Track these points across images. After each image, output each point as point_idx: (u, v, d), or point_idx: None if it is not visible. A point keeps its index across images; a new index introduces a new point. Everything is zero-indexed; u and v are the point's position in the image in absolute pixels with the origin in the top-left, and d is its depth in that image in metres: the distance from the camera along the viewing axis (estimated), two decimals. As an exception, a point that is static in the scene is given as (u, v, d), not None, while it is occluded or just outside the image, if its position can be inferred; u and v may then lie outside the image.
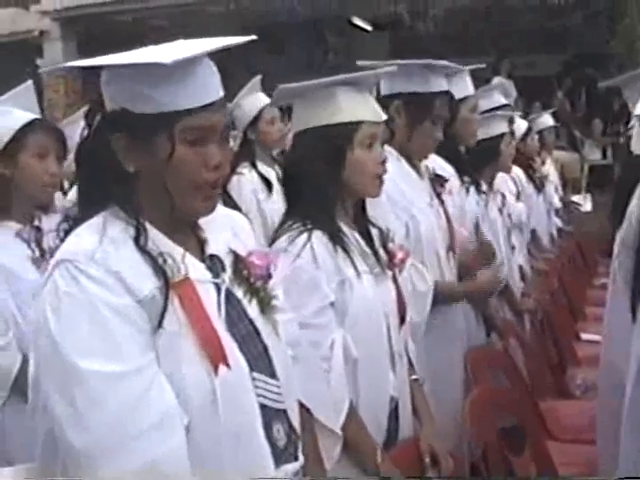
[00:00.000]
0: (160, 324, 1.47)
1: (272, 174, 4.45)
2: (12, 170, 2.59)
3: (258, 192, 4.32)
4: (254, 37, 1.62)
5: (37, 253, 2.63)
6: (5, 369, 2.52)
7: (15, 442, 2.50)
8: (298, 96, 2.25)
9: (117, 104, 1.53)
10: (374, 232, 2.29)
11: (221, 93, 1.56)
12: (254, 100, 4.54)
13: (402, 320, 2.30)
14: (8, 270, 2.56)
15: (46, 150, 2.61)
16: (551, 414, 3.37)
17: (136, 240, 1.51)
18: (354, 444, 2.12)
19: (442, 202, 2.98)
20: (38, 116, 2.71)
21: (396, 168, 2.71)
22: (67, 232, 1.58)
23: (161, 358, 1.47)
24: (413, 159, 2.93)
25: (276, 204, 4.20)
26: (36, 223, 2.68)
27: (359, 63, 2.72)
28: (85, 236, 1.51)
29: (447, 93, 2.94)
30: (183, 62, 1.48)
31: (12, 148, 2.59)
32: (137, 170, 1.53)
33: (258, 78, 4.65)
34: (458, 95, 3.21)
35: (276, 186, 4.32)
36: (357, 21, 13.68)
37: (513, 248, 4.39)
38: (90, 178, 1.58)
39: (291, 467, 1.65)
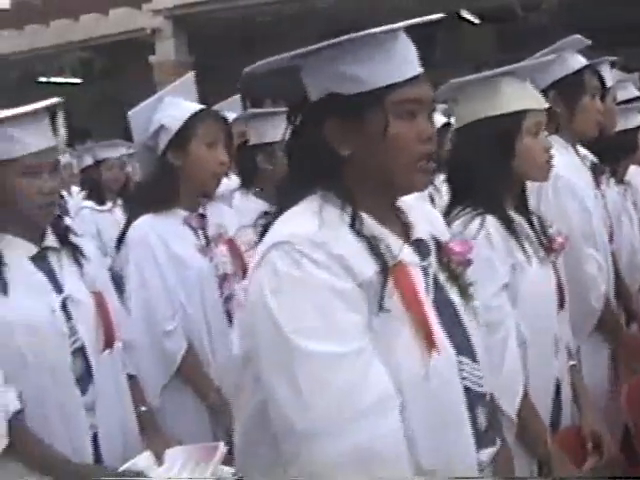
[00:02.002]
0: (378, 307, 1.49)
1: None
2: (182, 159, 2.68)
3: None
4: (443, 15, 1.66)
5: (202, 240, 2.73)
6: (171, 354, 2.63)
7: (177, 423, 2.61)
8: (462, 90, 2.30)
9: (323, 91, 1.56)
10: (534, 218, 2.33)
11: (420, 69, 1.57)
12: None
13: (561, 305, 2.32)
14: (178, 257, 2.65)
15: (215, 139, 2.68)
16: None
17: (352, 225, 1.53)
18: (525, 427, 2.13)
19: (602, 193, 3.00)
20: (205, 106, 2.79)
21: (564, 157, 2.73)
22: (267, 226, 1.60)
23: (377, 340, 1.49)
24: (576, 144, 2.95)
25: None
26: (201, 211, 2.78)
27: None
28: (303, 220, 1.53)
29: (588, 66, 2.97)
30: (386, 36, 1.51)
31: (182, 138, 2.67)
32: (351, 153, 1.55)
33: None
34: None
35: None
36: (465, 14, 13.56)
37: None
38: (302, 167, 1.61)
39: (490, 451, 1.66)
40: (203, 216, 2.77)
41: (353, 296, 1.48)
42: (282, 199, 1.64)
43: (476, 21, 14.02)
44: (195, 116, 2.69)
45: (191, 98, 2.80)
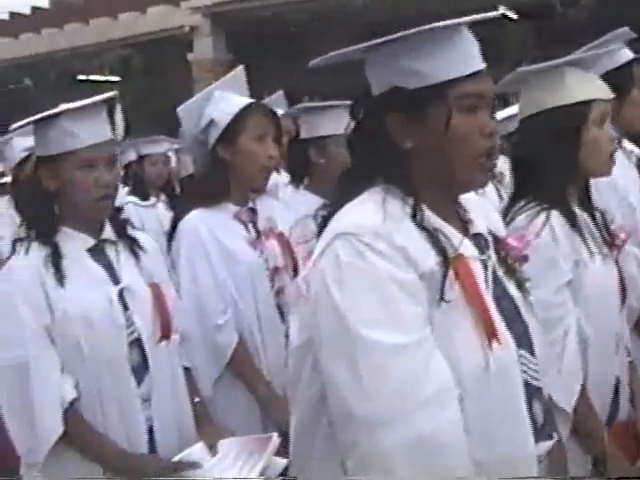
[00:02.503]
0: (439, 298, 1.49)
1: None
2: (232, 153, 2.68)
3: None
4: (502, 12, 1.65)
5: (253, 234, 2.74)
6: (222, 348, 2.64)
7: (228, 416, 2.62)
8: (525, 81, 2.28)
9: (386, 85, 1.57)
10: (597, 214, 2.30)
11: (483, 63, 1.58)
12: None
13: (622, 302, 2.30)
14: (228, 251, 2.66)
15: (264, 133, 2.69)
16: None
17: (413, 217, 1.54)
18: (582, 424, 2.12)
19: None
20: (254, 100, 2.79)
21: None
22: (327, 217, 1.60)
23: (437, 332, 1.49)
24: (622, 139, 2.92)
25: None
26: (251, 205, 2.79)
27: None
28: (366, 211, 1.54)
29: (637, 59, 2.95)
30: (450, 30, 1.52)
31: (232, 132, 2.68)
32: (413, 146, 1.56)
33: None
34: None
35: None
36: (503, 10, 13.45)
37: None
38: (364, 160, 1.61)
39: (546, 445, 1.66)
40: (253, 210, 2.78)
41: (415, 287, 1.49)
42: (343, 191, 1.65)
43: (514, 17, 13.90)
44: (245, 110, 2.70)
45: (241, 92, 2.80)
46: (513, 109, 5.15)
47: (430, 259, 1.51)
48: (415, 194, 1.56)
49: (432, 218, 1.57)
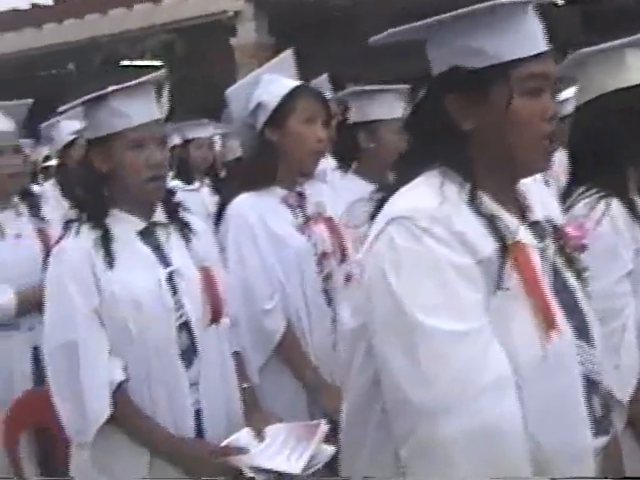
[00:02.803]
0: (497, 286, 1.45)
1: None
2: (280, 136, 2.66)
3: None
4: None
5: (301, 219, 2.71)
6: (269, 333, 2.62)
7: (274, 402, 2.59)
8: (585, 63, 2.21)
9: (447, 64, 1.53)
10: None
11: (547, 45, 1.53)
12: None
13: None
14: (276, 236, 2.63)
15: (313, 115, 2.65)
16: None
17: (471, 202, 1.49)
18: (638, 416, 2.07)
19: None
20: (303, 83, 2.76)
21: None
22: (382, 200, 1.57)
23: (494, 320, 1.45)
24: None
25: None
26: (299, 189, 2.76)
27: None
28: (423, 195, 1.50)
29: None
30: (515, 8, 1.47)
31: (280, 114, 2.65)
32: (473, 128, 1.52)
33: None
34: None
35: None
36: (549, -5, 13.23)
37: None
38: (422, 142, 1.58)
39: (604, 440, 1.61)
40: (302, 194, 2.75)
41: (473, 273, 1.45)
42: (399, 174, 1.62)
43: (560, 2, 13.68)
44: (293, 92, 2.67)
45: (290, 75, 2.77)
46: (565, 93, 5.06)
47: (488, 245, 1.47)
48: (473, 178, 1.52)
49: (490, 204, 1.52)
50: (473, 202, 1.50)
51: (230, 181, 3.13)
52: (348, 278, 2.83)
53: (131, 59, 15.49)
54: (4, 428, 2.86)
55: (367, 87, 3.10)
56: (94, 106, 2.25)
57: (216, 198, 5.10)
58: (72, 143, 4.76)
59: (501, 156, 1.53)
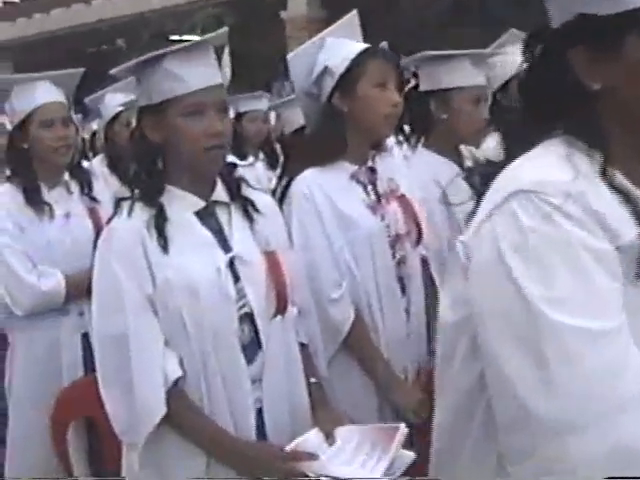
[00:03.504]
0: (637, 276, 1.19)
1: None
2: (350, 103, 2.40)
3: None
4: None
5: (373, 197, 2.46)
6: (337, 323, 2.38)
7: (341, 398, 2.36)
8: None
9: (572, 13, 1.27)
10: None
11: None
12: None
13: None
14: (345, 216, 2.39)
15: (385, 79, 2.39)
16: None
17: (603, 176, 1.23)
18: None
19: None
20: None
21: None
22: (490, 175, 1.32)
23: (629, 316, 1.18)
24: None
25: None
26: (370, 164, 2.51)
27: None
28: (550, 166, 1.24)
29: None
30: None
31: (349, 79, 2.40)
32: (602, 87, 1.26)
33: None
34: None
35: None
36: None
37: None
38: (541, 106, 1.31)
39: None
40: (373, 170, 2.50)
41: (612, 261, 1.19)
42: (512, 144, 1.36)
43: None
44: (363, 54, 2.41)
45: (356, 39, 2.51)
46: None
47: (629, 229, 1.20)
48: (605, 148, 1.25)
49: (622, 181, 1.25)
50: (606, 176, 1.24)
51: (293, 156, 2.87)
52: (423, 263, 2.59)
53: (180, 34, 15.33)
54: (51, 423, 2.68)
55: (440, 52, 2.81)
56: (148, 70, 2.00)
57: (270, 173, 4.90)
58: (118, 116, 4.55)
59: (637, 122, 1.26)
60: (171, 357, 1.96)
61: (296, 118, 4.13)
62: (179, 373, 1.96)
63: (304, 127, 4.03)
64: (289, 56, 2.49)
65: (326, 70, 2.42)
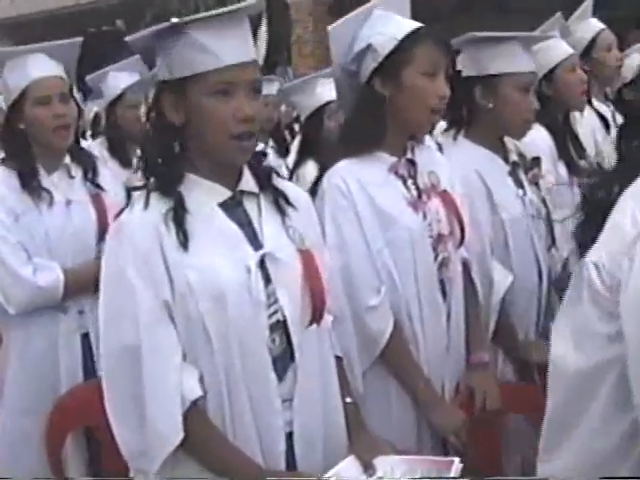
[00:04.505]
0: None
1: (608, 113, 3.83)
2: (393, 89, 2.14)
3: (596, 132, 3.71)
4: None
5: (414, 193, 2.19)
6: (375, 333, 2.12)
7: (376, 418, 2.10)
8: None
9: None
10: None
11: None
12: (586, 26, 3.92)
13: None
14: (384, 213, 2.13)
15: (436, 67, 2.13)
16: None
17: None
18: None
19: None
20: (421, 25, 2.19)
21: None
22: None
23: None
24: None
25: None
26: (409, 156, 2.24)
27: None
28: None
29: None
30: None
31: (395, 62, 2.13)
32: None
33: (590, 1, 4.02)
34: None
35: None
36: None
37: None
38: None
39: None
40: (412, 162, 2.23)
41: None
42: (627, 147, 1.13)
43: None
44: (412, 36, 2.13)
45: (404, 15, 2.23)
46: None
47: None
48: None
49: None
50: None
51: (328, 144, 2.59)
52: (465, 266, 2.33)
53: (183, 15, 14.95)
54: (47, 433, 2.42)
55: (488, 34, 2.53)
56: (171, 39, 1.73)
57: (280, 161, 4.62)
58: (121, 97, 4.25)
59: None
60: (190, 373, 1.70)
61: (310, 102, 3.88)
62: (199, 393, 1.70)
63: (319, 112, 3.79)
64: (331, 27, 2.20)
65: (369, 48, 2.14)
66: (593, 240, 1.14)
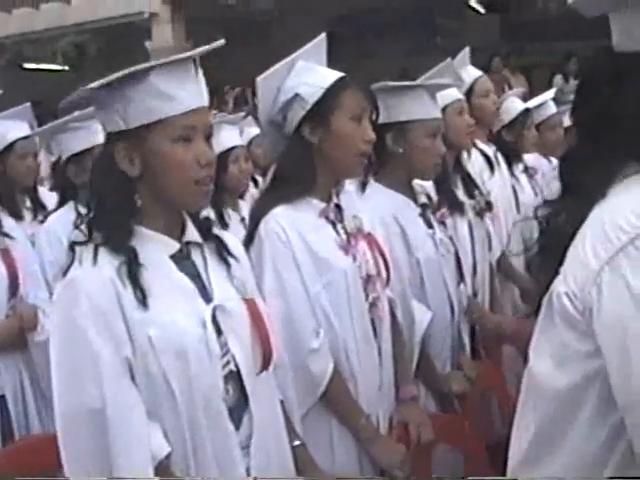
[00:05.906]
0: None
1: (491, 153, 4.05)
2: (321, 136, 2.20)
3: (482, 172, 3.90)
4: None
5: (343, 236, 2.26)
6: (316, 376, 2.16)
7: (318, 453, 2.13)
8: None
9: None
10: None
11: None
12: (465, 73, 4.14)
13: None
14: (319, 257, 2.18)
15: (362, 111, 2.21)
16: None
17: None
18: None
19: None
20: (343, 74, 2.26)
21: None
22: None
23: None
24: None
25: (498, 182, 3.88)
26: (336, 201, 2.31)
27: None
28: None
29: None
30: None
31: (322, 109, 2.19)
32: None
33: (467, 50, 4.25)
34: None
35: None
36: (473, 3, 13.22)
37: None
38: (605, 136, 1.19)
39: None
40: (339, 207, 2.30)
41: None
42: (573, 178, 1.23)
43: (482, 10, 13.70)
44: (338, 83, 2.21)
45: (323, 64, 2.31)
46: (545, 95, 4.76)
47: None
48: None
49: None
50: None
51: (261, 191, 2.62)
52: (391, 306, 2.42)
53: (38, 62, 14.57)
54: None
55: (395, 83, 2.65)
56: (127, 88, 1.70)
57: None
58: (11, 147, 4.11)
59: None
60: (156, 430, 1.68)
61: (214, 147, 3.88)
62: (167, 449, 1.68)
63: (224, 157, 3.79)
64: (258, 79, 2.25)
65: (296, 97, 2.20)
66: (553, 271, 1.22)
